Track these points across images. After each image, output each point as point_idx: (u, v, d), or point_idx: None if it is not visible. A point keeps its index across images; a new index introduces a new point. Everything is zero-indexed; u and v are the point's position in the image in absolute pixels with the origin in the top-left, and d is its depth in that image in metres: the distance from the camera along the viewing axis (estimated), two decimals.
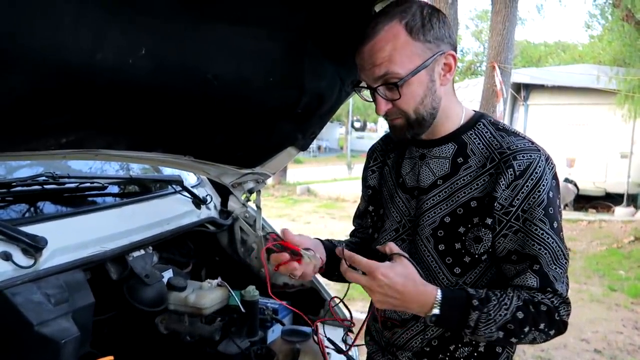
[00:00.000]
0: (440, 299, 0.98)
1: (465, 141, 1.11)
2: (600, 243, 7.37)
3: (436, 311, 0.98)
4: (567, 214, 9.48)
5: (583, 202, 10.45)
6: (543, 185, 1.02)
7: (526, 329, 1.00)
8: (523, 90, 11.15)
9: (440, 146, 1.13)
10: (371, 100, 1.10)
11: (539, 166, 1.02)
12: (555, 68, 15.20)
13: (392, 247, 1.04)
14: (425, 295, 0.99)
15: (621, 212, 9.57)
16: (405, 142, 1.19)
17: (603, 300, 5.00)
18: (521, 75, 11.44)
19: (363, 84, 1.10)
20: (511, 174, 1.02)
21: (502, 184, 1.02)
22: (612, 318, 4.55)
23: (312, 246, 1.13)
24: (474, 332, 1.00)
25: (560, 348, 3.89)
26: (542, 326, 1.00)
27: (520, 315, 0.99)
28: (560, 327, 1.03)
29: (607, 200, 10.37)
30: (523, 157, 1.03)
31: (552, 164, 1.06)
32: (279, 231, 1.11)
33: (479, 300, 0.99)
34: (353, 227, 1.45)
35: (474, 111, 1.17)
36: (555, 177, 1.06)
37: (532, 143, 1.07)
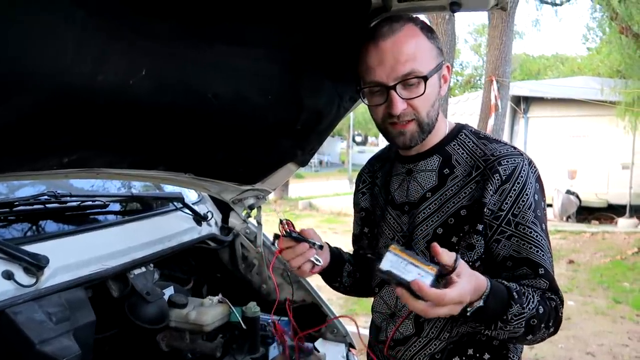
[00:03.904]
0: (488, 290, 0.92)
1: (449, 152, 1.13)
2: (603, 255, 7.33)
3: (481, 303, 0.91)
4: (570, 226, 9.46)
5: (585, 213, 10.43)
6: (529, 188, 1.04)
7: (542, 325, 0.99)
8: (523, 103, 11.20)
9: (425, 159, 1.15)
10: (374, 105, 1.08)
11: (523, 170, 1.05)
12: (555, 80, 15.28)
13: (444, 253, 0.87)
14: (479, 287, 0.91)
15: (624, 223, 9.54)
16: (401, 150, 1.19)
17: (608, 313, 4.96)
18: (521, 88, 11.51)
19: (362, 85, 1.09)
20: (497, 179, 1.04)
21: (490, 190, 1.04)
22: (617, 331, 4.50)
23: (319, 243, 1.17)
24: (505, 326, 0.95)
25: None
26: (551, 322, 1.01)
27: (540, 310, 0.99)
28: (559, 325, 1.05)
29: (609, 212, 10.34)
30: (507, 162, 1.05)
31: (534, 167, 1.08)
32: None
33: (517, 293, 0.96)
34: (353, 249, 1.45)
35: (455, 123, 1.19)
36: (538, 179, 1.08)
37: (515, 148, 1.09)
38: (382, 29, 1.03)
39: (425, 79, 1.02)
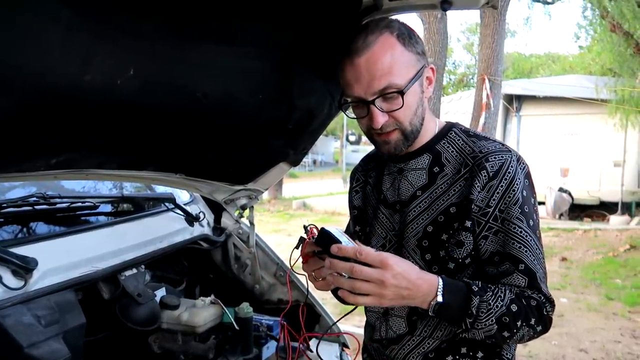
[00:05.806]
0: (442, 285, 0.96)
1: (439, 150, 1.13)
2: (596, 252, 7.38)
3: (440, 299, 0.95)
4: (563, 224, 9.52)
5: (578, 211, 10.51)
6: (517, 184, 1.04)
7: (519, 323, 1.00)
8: (515, 101, 11.27)
9: (416, 158, 1.15)
10: (357, 117, 1.10)
11: (511, 166, 1.05)
12: (547, 79, 15.37)
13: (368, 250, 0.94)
14: (429, 283, 0.96)
15: (616, 220, 9.62)
16: (387, 158, 1.19)
17: (600, 310, 4.99)
18: (513, 86, 11.57)
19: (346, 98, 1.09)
20: (485, 176, 1.04)
21: (477, 186, 1.04)
22: (610, 327, 4.53)
23: None
24: (475, 322, 0.98)
25: (558, 358, 3.87)
26: (532, 321, 1.01)
27: (514, 307, 0.99)
28: (547, 323, 1.05)
29: (601, 209, 10.42)
30: (495, 158, 1.05)
31: (523, 163, 1.08)
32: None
33: (477, 287, 0.99)
34: None
35: (445, 122, 1.19)
36: (527, 176, 1.08)
37: (503, 145, 1.09)
38: (357, 42, 1.03)
39: (401, 93, 1.02)
